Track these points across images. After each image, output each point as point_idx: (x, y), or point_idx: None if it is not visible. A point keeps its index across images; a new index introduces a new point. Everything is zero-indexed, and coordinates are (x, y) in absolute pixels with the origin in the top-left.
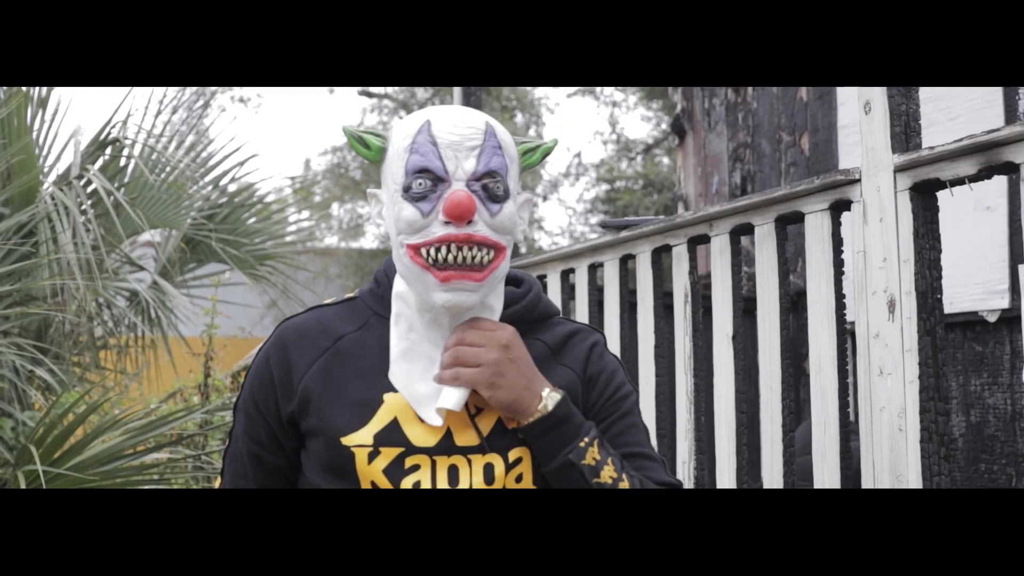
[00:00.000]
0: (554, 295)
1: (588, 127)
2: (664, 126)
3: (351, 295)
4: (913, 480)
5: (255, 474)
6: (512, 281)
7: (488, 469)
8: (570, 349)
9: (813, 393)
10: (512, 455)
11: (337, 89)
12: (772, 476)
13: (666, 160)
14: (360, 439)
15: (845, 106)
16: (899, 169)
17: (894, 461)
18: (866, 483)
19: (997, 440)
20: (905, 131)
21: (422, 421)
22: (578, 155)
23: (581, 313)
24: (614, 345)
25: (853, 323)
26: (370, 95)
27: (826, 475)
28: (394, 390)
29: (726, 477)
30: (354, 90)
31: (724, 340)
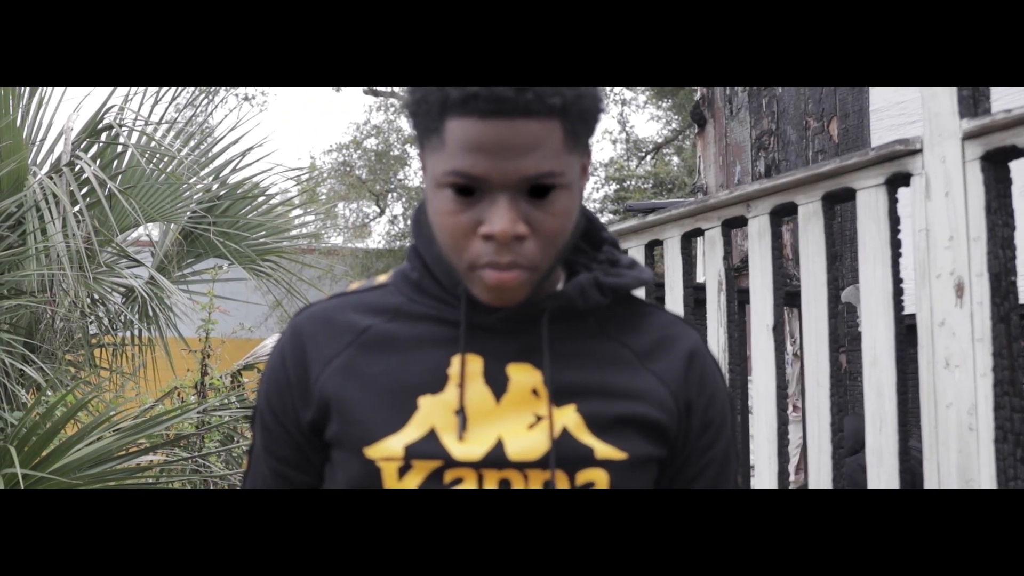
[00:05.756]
0: None
1: (597, 126)
2: (674, 125)
3: (383, 279)
4: (986, 486)
5: None
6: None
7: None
8: (661, 353)
9: (867, 388)
10: (581, 477)
11: (343, 88)
12: (819, 480)
13: (676, 159)
14: (388, 450)
15: (877, 88)
16: (968, 136)
17: (963, 464)
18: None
19: None
20: (973, 94)
21: (465, 429)
22: None
23: None
24: None
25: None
26: (376, 94)
27: (882, 479)
28: (431, 392)
29: (766, 482)
30: (359, 89)
31: (764, 331)
